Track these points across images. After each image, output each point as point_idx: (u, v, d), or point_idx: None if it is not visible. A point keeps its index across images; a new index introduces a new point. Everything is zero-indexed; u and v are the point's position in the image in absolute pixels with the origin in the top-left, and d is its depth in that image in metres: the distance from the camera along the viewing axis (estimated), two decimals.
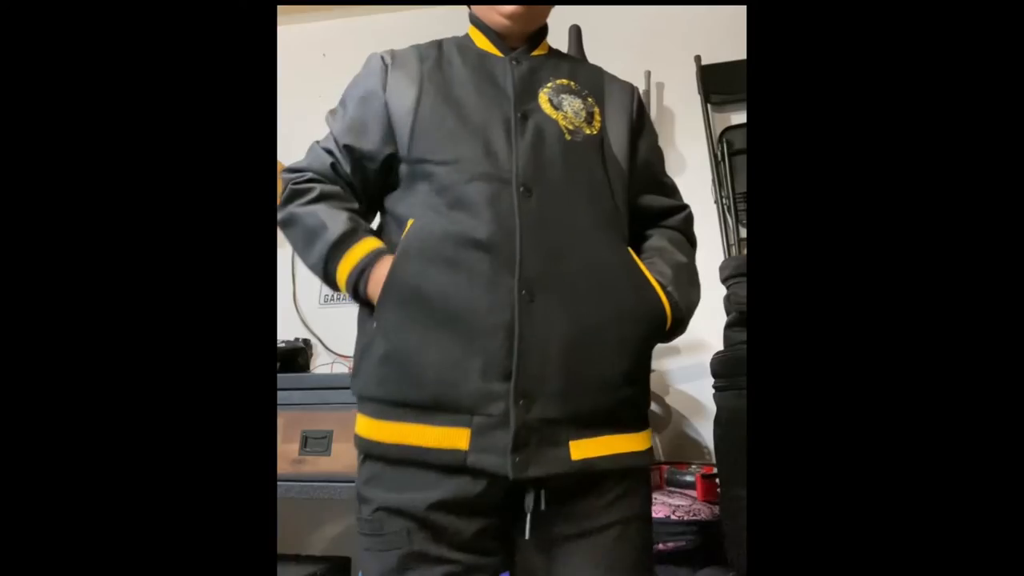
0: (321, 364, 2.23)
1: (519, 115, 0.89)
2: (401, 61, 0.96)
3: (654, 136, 1.03)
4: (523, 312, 0.79)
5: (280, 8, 2.62)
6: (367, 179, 0.94)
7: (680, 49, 2.18)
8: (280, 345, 2.06)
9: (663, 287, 0.88)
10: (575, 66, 1.01)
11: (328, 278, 0.89)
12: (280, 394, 1.64)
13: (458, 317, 0.79)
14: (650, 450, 0.89)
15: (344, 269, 0.86)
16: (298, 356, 2.09)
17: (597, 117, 0.95)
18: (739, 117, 2.15)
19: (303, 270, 2.35)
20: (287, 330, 2.26)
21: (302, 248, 0.92)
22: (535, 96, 0.92)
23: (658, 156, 1.03)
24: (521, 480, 0.77)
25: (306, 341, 2.21)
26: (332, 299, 2.31)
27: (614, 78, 1.03)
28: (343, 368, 2.18)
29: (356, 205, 0.93)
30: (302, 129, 2.56)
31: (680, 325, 0.90)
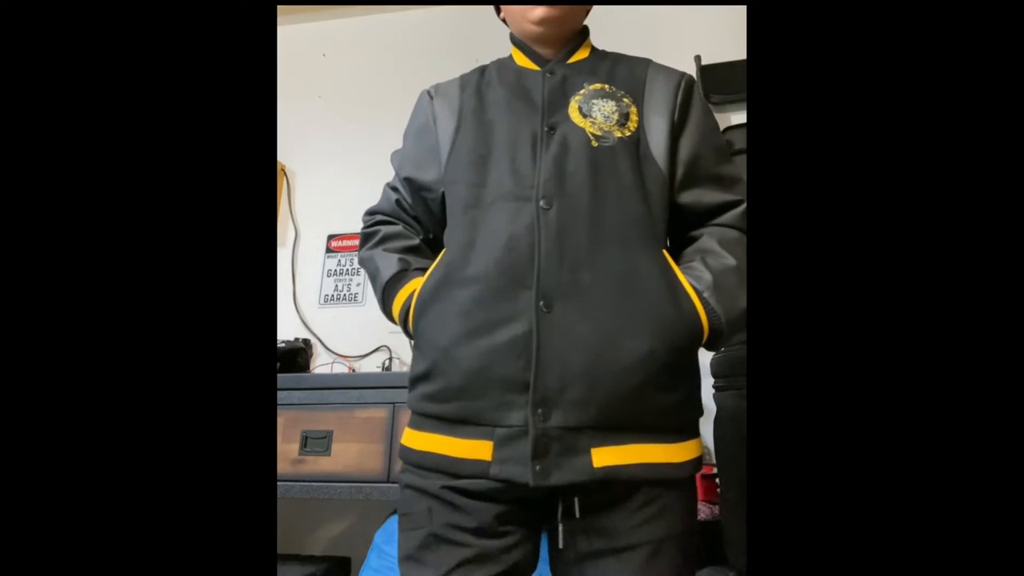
0: (321, 364, 2.23)
1: (546, 128, 0.90)
2: (444, 92, 1.00)
3: (706, 125, 0.96)
4: (541, 323, 0.79)
5: (280, 8, 2.62)
6: (430, 210, 0.98)
7: (680, 49, 2.18)
8: (280, 345, 2.06)
9: (699, 293, 0.85)
10: (616, 65, 0.99)
11: (392, 320, 0.96)
12: (280, 394, 1.64)
13: (478, 333, 0.81)
14: (692, 462, 0.84)
15: (396, 310, 0.93)
16: (298, 356, 2.09)
17: (633, 117, 0.92)
18: (739, 117, 2.15)
19: (303, 270, 2.36)
20: (287, 330, 2.26)
21: (375, 292, 0.98)
22: (565, 106, 0.92)
23: (712, 147, 0.95)
24: (543, 488, 0.77)
25: (306, 341, 2.21)
26: (332, 299, 2.32)
27: (661, 69, 0.98)
28: (343, 368, 2.18)
29: (416, 241, 0.99)
30: (302, 129, 2.57)
31: (719, 334, 0.85)
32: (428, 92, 1.02)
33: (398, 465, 1.51)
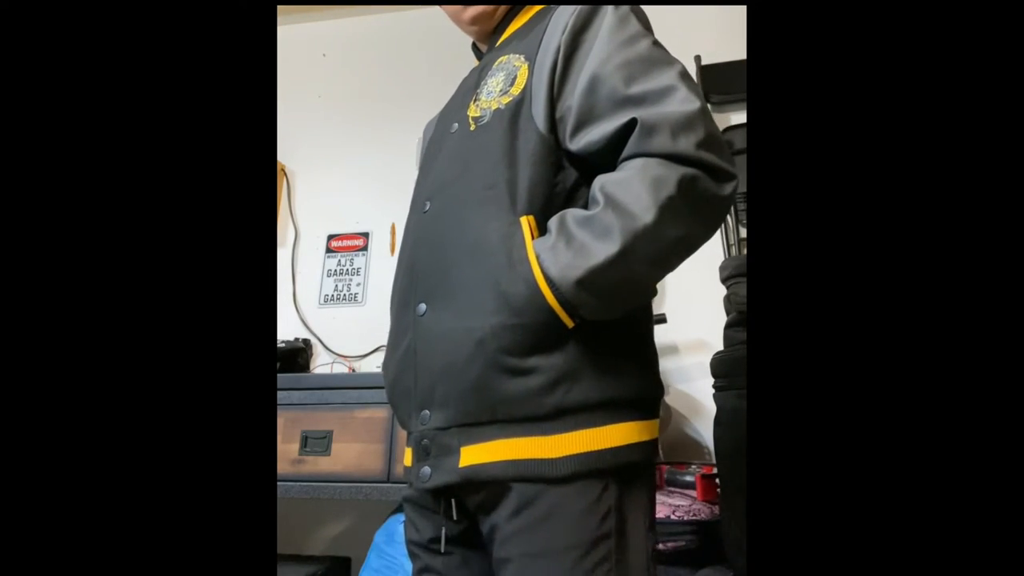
0: (321, 364, 2.23)
1: (456, 125, 0.88)
2: (429, 126, 1.06)
3: (612, 42, 0.75)
4: (417, 329, 0.79)
5: (280, 8, 2.62)
6: None
7: (680, 49, 2.17)
8: (280, 345, 2.06)
9: (537, 256, 0.70)
10: (533, 24, 0.87)
11: None
12: (280, 394, 1.64)
13: (394, 348, 0.85)
14: (576, 458, 0.69)
15: None
16: (298, 356, 2.09)
17: (521, 79, 0.80)
18: (739, 117, 2.15)
19: (303, 270, 2.36)
20: (287, 330, 2.26)
21: None
22: (472, 97, 0.88)
23: (618, 64, 0.73)
24: (425, 491, 0.78)
25: (306, 341, 2.21)
26: (332, 299, 2.31)
27: (567, 9, 0.80)
28: (343, 368, 2.18)
29: None
30: (302, 129, 2.57)
31: (565, 302, 0.69)
32: (426, 127, 1.08)
33: (399, 466, 1.51)
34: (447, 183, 0.83)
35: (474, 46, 1.02)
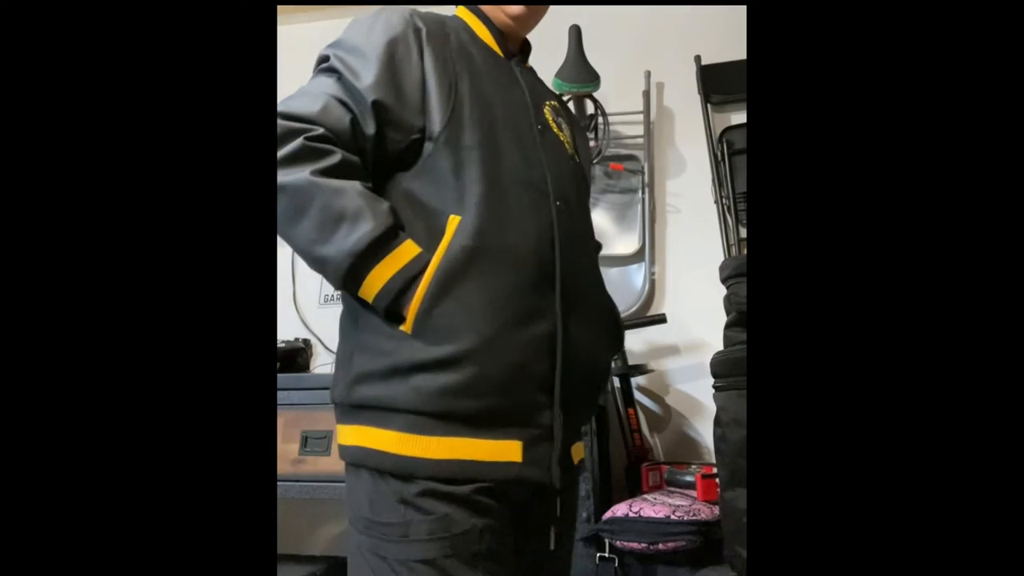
0: (321, 364, 2.22)
1: (539, 127, 0.89)
2: (433, 34, 0.84)
3: None
4: (564, 324, 0.80)
5: (280, 8, 2.62)
6: (384, 151, 0.79)
7: (680, 49, 2.17)
8: (280, 345, 2.06)
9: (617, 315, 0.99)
10: (557, 97, 1.05)
11: (347, 278, 0.74)
12: (280, 394, 1.64)
13: (518, 324, 0.76)
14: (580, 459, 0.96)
15: (383, 274, 0.73)
16: (298, 356, 2.09)
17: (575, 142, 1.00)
18: (739, 117, 2.14)
19: (303, 270, 2.36)
20: (287, 330, 2.26)
21: (315, 231, 0.73)
22: (543, 110, 0.93)
23: None
24: (559, 489, 0.82)
25: (306, 341, 2.21)
26: (332, 299, 2.31)
27: (584, 134, 1.17)
28: None
29: (370, 185, 0.78)
30: None
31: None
32: (416, 19, 0.83)
33: None
34: (570, 197, 0.89)
35: (489, 24, 0.92)
